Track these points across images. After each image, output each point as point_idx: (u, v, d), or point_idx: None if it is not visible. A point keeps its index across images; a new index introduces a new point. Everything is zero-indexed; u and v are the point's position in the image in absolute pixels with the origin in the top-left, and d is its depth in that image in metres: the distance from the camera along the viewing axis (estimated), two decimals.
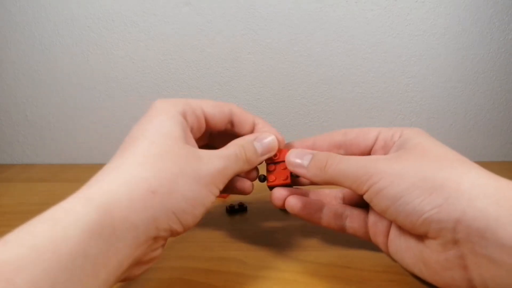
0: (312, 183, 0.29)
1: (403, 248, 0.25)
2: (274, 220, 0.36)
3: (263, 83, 0.53)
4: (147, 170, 0.21)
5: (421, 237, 0.23)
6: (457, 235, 0.20)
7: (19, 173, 0.51)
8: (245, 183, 0.29)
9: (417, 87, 0.54)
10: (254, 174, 0.30)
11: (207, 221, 0.36)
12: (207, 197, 0.23)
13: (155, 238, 0.21)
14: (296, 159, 0.27)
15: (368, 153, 0.28)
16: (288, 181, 0.29)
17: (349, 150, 0.29)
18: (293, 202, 0.28)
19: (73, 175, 0.50)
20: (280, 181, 0.29)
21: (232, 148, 0.26)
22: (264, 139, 0.28)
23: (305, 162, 0.27)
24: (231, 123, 0.29)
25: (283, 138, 0.30)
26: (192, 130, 0.26)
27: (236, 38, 0.51)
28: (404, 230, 0.24)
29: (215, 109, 0.28)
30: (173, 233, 0.22)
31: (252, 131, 0.30)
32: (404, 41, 0.52)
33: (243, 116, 0.29)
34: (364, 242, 0.31)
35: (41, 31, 0.50)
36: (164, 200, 0.21)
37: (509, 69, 0.53)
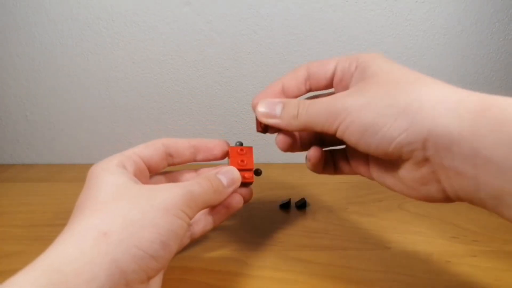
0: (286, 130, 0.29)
1: (383, 172, 0.25)
2: (274, 220, 0.36)
3: (263, 83, 0.53)
4: (95, 217, 0.20)
5: (396, 160, 0.23)
6: (427, 153, 0.21)
7: (19, 173, 0.51)
8: (233, 198, 0.29)
9: None
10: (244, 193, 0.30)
11: None
12: (172, 222, 0.22)
13: (127, 284, 0.19)
14: (268, 110, 0.27)
15: (331, 84, 0.29)
16: (252, 180, 0.30)
17: (314, 84, 0.29)
18: (280, 139, 0.29)
19: (73, 175, 0.50)
20: (244, 179, 0.29)
21: (195, 179, 0.26)
22: (227, 171, 0.28)
23: (277, 112, 0.27)
24: (170, 155, 0.30)
25: (226, 142, 0.31)
26: (136, 175, 0.26)
27: (236, 38, 0.51)
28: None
29: (148, 148, 0.28)
30: (149, 271, 0.20)
31: (194, 154, 0.30)
32: (404, 41, 0.51)
33: (176, 144, 0.30)
34: (364, 242, 0.31)
35: (41, 31, 0.50)
36: (121, 237, 0.19)
37: (509, 69, 0.53)
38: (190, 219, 0.24)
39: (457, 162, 0.20)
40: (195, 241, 0.30)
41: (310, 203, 0.40)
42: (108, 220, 0.20)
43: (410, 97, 0.21)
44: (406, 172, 0.23)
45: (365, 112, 0.22)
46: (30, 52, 0.51)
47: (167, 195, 0.22)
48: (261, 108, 0.28)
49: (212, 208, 0.29)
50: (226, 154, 0.31)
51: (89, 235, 0.19)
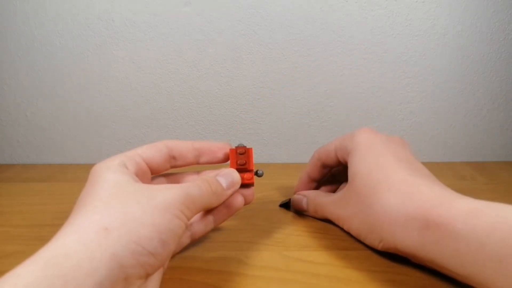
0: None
1: None
2: (274, 220, 0.36)
3: (263, 83, 0.53)
4: (97, 212, 0.21)
5: None
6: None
7: (19, 173, 0.51)
8: (235, 198, 0.29)
9: (417, 87, 0.54)
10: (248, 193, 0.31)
11: None
12: (171, 221, 0.22)
13: (126, 279, 0.19)
14: (301, 204, 0.37)
15: (339, 163, 0.35)
16: (252, 181, 0.30)
17: (328, 166, 0.36)
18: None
19: (73, 175, 0.50)
20: (244, 180, 0.30)
21: (194, 181, 0.26)
22: (226, 174, 0.28)
23: (304, 205, 0.36)
24: (174, 157, 0.30)
25: (226, 143, 0.31)
26: (137, 175, 0.26)
27: (236, 38, 0.51)
28: None
29: (150, 150, 0.28)
30: (147, 267, 0.21)
31: (197, 157, 0.30)
32: (404, 41, 0.52)
33: (180, 146, 0.30)
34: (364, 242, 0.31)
35: (41, 31, 0.50)
36: (121, 233, 0.20)
37: (509, 69, 0.53)
38: (188, 220, 0.24)
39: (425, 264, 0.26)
40: (195, 241, 0.30)
41: None
42: (109, 215, 0.20)
43: (375, 215, 0.27)
44: None
45: (349, 224, 0.31)
46: (30, 52, 0.51)
47: (166, 195, 0.23)
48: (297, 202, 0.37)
49: (212, 208, 0.29)
50: (228, 157, 0.31)
51: (90, 229, 0.20)
